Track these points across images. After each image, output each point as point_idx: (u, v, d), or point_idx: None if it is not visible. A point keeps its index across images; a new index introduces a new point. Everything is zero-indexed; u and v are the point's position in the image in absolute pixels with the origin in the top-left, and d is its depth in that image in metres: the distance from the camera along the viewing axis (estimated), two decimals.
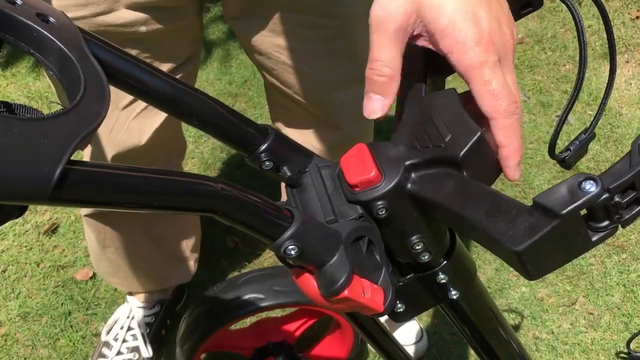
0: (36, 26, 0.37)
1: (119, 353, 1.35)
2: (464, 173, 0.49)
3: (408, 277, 0.57)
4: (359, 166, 0.50)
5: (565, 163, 0.65)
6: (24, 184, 0.30)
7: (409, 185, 0.49)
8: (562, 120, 0.60)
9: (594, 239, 0.44)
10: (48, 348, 1.41)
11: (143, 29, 0.91)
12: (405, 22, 0.45)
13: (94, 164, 0.34)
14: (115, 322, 1.39)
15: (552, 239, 0.43)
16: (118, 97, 0.99)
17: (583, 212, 0.43)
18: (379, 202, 0.49)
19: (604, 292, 1.58)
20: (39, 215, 1.67)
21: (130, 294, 1.40)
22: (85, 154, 1.13)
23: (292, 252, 0.44)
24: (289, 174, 0.53)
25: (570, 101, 0.60)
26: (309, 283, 0.49)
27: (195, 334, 1.16)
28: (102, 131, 1.03)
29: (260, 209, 0.43)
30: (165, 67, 0.99)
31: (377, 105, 0.47)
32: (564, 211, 0.41)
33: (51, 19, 0.38)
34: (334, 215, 0.50)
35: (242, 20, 0.97)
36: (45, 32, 0.38)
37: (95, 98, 0.36)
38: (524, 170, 1.86)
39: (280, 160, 0.53)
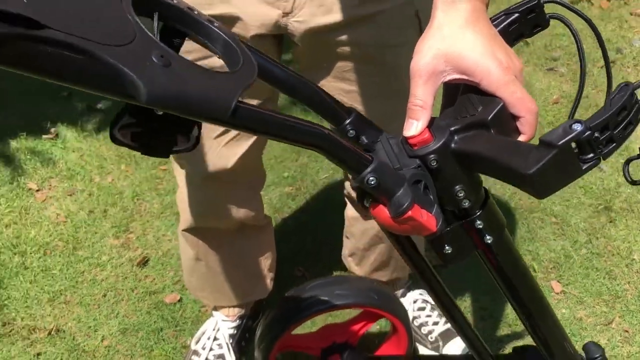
0: (210, 25, 0.62)
1: (206, 358, 1.56)
2: (492, 132, 0.71)
3: (454, 224, 0.78)
4: None
5: None
6: (217, 108, 0.52)
7: (452, 145, 0.71)
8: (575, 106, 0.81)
9: (583, 167, 0.64)
10: (144, 357, 1.63)
11: None
12: (433, 72, 0.67)
13: (252, 106, 0.56)
14: (203, 333, 1.60)
15: (553, 165, 0.63)
16: (212, 129, 1.23)
17: (576, 150, 0.64)
18: (431, 156, 0.70)
19: (639, 313, 1.73)
20: (132, 251, 1.92)
21: (215, 309, 1.62)
22: (180, 172, 1.36)
23: (372, 183, 0.65)
24: (366, 141, 0.75)
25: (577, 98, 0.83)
26: (382, 211, 0.70)
27: (270, 334, 1.36)
28: (199, 155, 1.26)
29: (351, 150, 0.65)
30: (250, 102, 1.22)
31: (412, 126, 0.68)
32: (560, 142, 0.62)
33: (215, 23, 0.63)
34: (400, 165, 0.72)
35: (312, 71, 1.20)
36: (215, 29, 0.62)
37: (249, 68, 0.59)
38: (562, 210, 2.04)
39: (359, 131, 0.75)
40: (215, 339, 1.58)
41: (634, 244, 1.94)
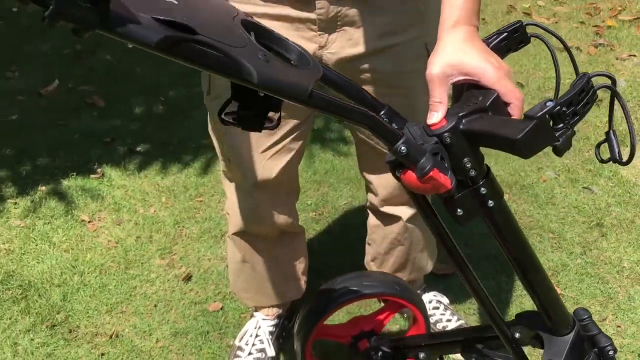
0: (287, 41, 0.89)
1: (249, 353, 1.79)
2: (490, 114, 0.97)
3: (464, 191, 1.03)
4: None
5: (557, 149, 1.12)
6: (300, 91, 0.79)
7: (461, 126, 0.97)
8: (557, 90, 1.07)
9: (557, 134, 0.90)
10: (194, 355, 1.86)
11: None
12: (444, 77, 0.94)
13: (321, 92, 0.83)
14: (246, 332, 1.83)
15: (535, 132, 0.88)
16: (259, 145, 1.49)
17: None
18: (446, 134, 0.95)
19: (629, 311, 1.95)
20: (177, 269, 2.17)
21: (256, 309, 1.86)
22: (230, 185, 1.62)
23: (403, 151, 0.91)
24: (396, 126, 1.01)
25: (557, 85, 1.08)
26: (411, 175, 0.95)
27: (307, 324, 1.59)
28: (249, 167, 1.52)
29: (389, 128, 0.92)
30: (291, 123, 1.49)
31: (434, 116, 0.94)
32: (538, 114, 0.88)
33: (290, 40, 0.90)
34: (422, 142, 0.98)
35: None
36: (292, 44, 0.89)
37: (316, 68, 0.86)
38: (559, 227, 2.29)
39: (391, 119, 1.00)
40: (256, 335, 1.81)
41: (624, 254, 2.17)
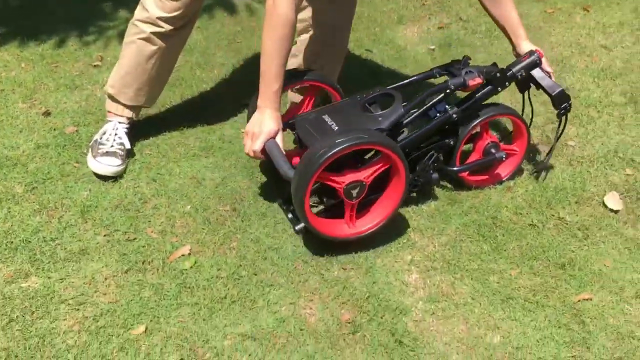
0: (382, 91, 1.82)
1: (112, 145, 2.32)
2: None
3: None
4: None
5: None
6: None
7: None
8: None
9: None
10: (54, 158, 2.38)
11: None
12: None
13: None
14: (105, 131, 2.38)
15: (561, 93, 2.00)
16: None
17: None
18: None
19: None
20: (37, 108, 2.66)
21: (110, 116, 2.41)
22: None
23: (452, 88, 1.98)
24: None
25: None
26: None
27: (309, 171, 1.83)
28: None
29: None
30: None
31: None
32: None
33: None
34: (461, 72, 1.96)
35: None
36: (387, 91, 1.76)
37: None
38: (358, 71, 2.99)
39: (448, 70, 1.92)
40: (116, 134, 2.36)
41: None
